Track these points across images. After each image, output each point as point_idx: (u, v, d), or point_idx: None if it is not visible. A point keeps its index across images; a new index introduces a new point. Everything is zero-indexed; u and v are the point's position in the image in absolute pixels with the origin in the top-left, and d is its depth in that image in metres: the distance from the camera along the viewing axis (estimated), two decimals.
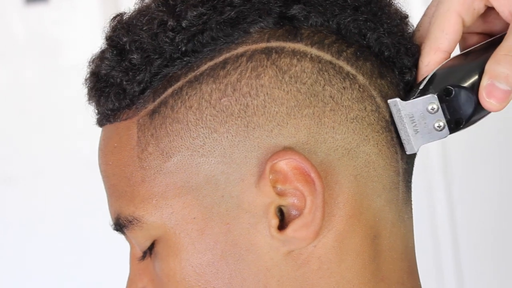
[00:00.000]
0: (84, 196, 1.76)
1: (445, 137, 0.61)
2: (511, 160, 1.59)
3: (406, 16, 0.65)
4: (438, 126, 0.61)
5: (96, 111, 0.66)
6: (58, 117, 1.75)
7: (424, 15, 0.65)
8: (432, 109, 0.60)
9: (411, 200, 0.65)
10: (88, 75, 0.66)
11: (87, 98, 0.67)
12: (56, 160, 1.75)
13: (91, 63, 0.67)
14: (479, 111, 0.60)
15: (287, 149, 0.58)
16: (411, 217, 0.65)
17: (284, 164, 0.58)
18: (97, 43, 1.74)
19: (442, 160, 1.56)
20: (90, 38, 1.69)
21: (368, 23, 0.61)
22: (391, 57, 0.62)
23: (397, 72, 0.62)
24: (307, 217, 0.58)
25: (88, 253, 1.78)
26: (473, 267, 1.61)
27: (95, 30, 1.67)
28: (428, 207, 1.58)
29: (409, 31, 0.65)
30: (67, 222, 1.76)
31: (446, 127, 0.61)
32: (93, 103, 0.66)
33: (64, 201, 1.75)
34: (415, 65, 0.63)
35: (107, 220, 0.65)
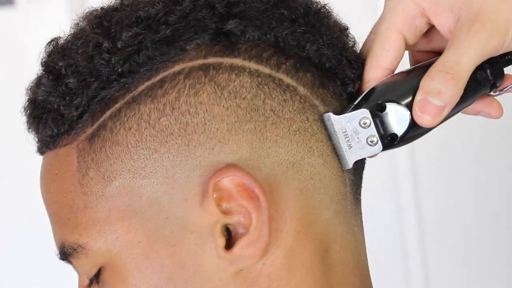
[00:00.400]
0: None
1: (378, 152, 0.61)
2: (479, 165, 1.59)
3: (346, 28, 0.64)
4: (370, 141, 0.60)
5: (36, 139, 0.64)
6: (23, 119, 1.73)
7: (370, 32, 0.65)
8: (364, 123, 0.60)
9: (361, 212, 0.64)
10: (26, 103, 0.65)
11: (26, 127, 0.65)
12: (17, 164, 1.73)
13: (28, 91, 0.65)
14: (415, 127, 0.60)
15: (230, 166, 0.57)
16: (362, 229, 0.64)
17: (228, 181, 0.56)
18: None
19: (410, 165, 1.56)
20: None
21: (307, 34, 0.61)
22: (332, 68, 0.61)
23: (339, 83, 0.62)
24: (253, 234, 0.56)
25: None
26: (441, 273, 1.60)
27: (61, 32, 1.67)
28: (395, 212, 1.57)
29: (350, 43, 0.64)
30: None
31: (379, 142, 0.60)
32: (33, 131, 0.64)
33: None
34: (359, 78, 0.63)
35: None
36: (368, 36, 0.65)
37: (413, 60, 0.66)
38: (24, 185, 1.72)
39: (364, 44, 0.65)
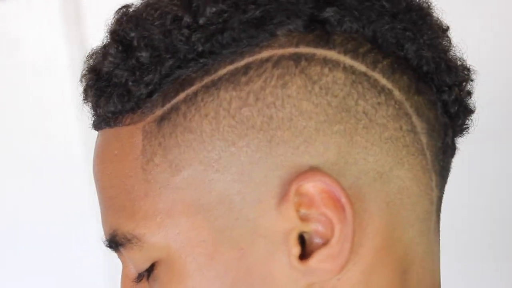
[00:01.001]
0: (32, 196, 1.72)
1: None
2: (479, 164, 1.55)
3: (447, 29, 0.58)
4: None
5: (93, 112, 0.59)
6: (15, 114, 1.70)
7: None
8: None
9: (439, 231, 0.59)
10: (85, 72, 0.59)
11: (82, 97, 0.60)
12: (8, 157, 1.70)
13: (89, 58, 0.60)
14: None
15: (315, 170, 0.51)
16: (439, 250, 0.59)
17: (312, 186, 0.51)
18: (56, 40, 1.68)
19: None
20: (49, 35, 1.64)
21: (407, 32, 0.55)
22: (430, 73, 0.56)
23: (435, 90, 0.56)
24: (334, 248, 0.51)
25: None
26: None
27: (53, 27, 1.62)
28: None
29: (450, 45, 0.58)
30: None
31: None
32: (90, 104, 0.59)
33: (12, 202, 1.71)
34: (455, 84, 0.57)
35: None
36: None
37: None
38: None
39: None
